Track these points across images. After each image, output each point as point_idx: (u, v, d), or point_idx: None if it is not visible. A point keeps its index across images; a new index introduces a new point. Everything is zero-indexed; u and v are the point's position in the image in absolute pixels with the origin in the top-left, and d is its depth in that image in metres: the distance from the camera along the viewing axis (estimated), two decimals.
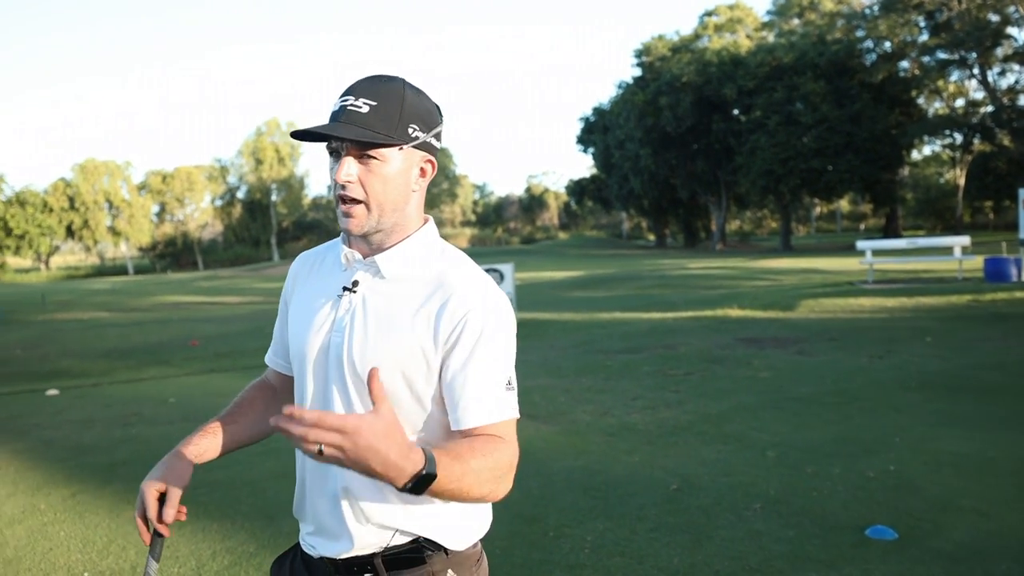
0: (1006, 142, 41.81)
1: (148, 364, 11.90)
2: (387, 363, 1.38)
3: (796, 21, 51.83)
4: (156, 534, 1.54)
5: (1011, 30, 39.16)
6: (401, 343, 1.39)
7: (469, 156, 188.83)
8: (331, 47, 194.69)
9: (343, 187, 1.38)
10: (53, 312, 23.30)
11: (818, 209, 77.73)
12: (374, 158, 1.38)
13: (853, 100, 40.64)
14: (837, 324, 11.37)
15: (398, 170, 1.40)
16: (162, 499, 1.53)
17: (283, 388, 1.71)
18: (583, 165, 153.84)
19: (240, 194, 75.65)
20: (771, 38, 49.78)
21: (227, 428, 1.63)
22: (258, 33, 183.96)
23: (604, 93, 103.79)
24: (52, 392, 9.49)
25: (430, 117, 1.44)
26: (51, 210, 67.71)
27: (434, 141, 1.46)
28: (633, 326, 12.44)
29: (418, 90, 1.45)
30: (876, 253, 18.79)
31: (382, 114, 1.37)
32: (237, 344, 13.41)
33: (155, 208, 74.94)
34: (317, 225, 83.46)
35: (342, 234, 1.54)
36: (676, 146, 46.86)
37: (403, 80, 1.43)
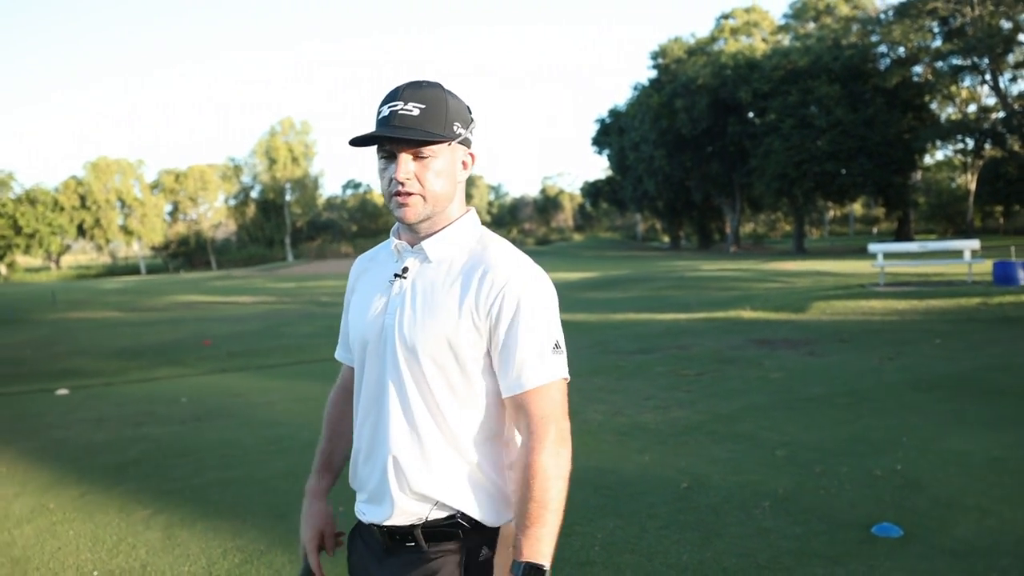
0: (1016, 148, 41.77)
1: (160, 364, 11.94)
2: (434, 337, 1.54)
3: (812, 25, 51.76)
4: (307, 570, 1.82)
5: (1022, 37, 39.16)
6: (446, 318, 1.54)
7: (484, 157, 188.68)
8: (345, 47, 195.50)
9: (401, 183, 1.54)
10: (64, 311, 23.27)
11: (831, 212, 77.44)
12: (428, 155, 1.55)
13: (867, 104, 40.59)
14: (848, 326, 11.41)
15: (447, 164, 1.58)
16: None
17: (352, 381, 1.85)
18: (598, 167, 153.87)
19: (254, 194, 75.90)
20: (786, 42, 49.69)
21: (334, 454, 1.87)
22: (272, 33, 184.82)
23: (620, 95, 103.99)
24: (62, 391, 9.53)
25: (466, 115, 1.62)
26: (62, 208, 67.69)
27: (471, 136, 1.63)
28: (647, 327, 12.52)
29: (452, 92, 1.61)
30: (887, 256, 18.82)
31: (431, 115, 1.53)
32: (250, 344, 13.51)
33: (168, 207, 75.18)
34: (331, 225, 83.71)
35: (392, 230, 1.70)
36: (691, 148, 46.86)
37: (440, 84, 1.60)
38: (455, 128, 1.57)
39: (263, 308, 21.72)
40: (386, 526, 1.60)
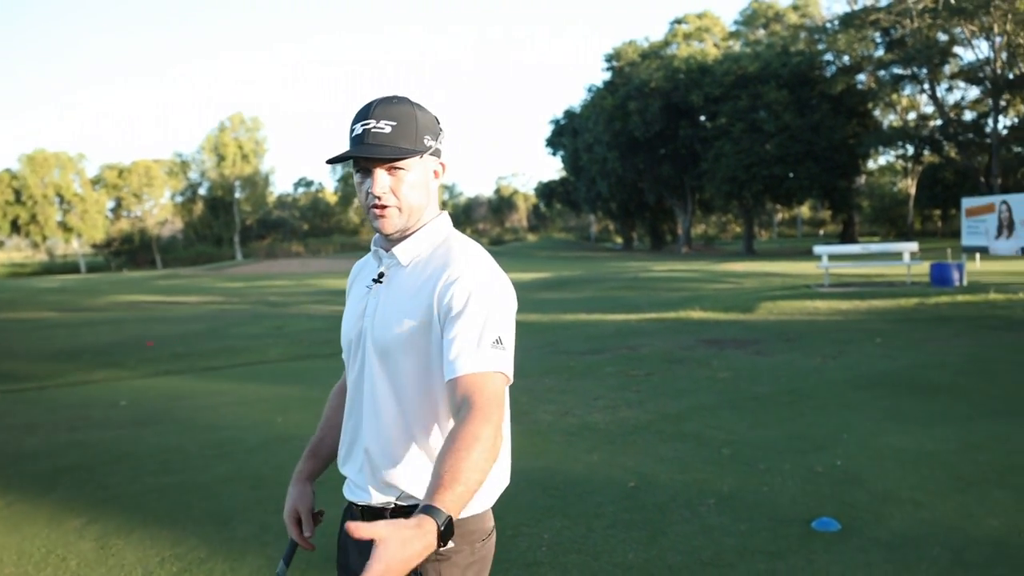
0: (953, 154, 43.30)
1: (99, 366, 11.40)
2: (401, 337, 1.63)
3: (761, 32, 52.81)
4: (292, 544, 1.93)
5: (958, 49, 40.64)
6: (411, 317, 1.63)
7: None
8: (296, 46, 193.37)
9: (378, 197, 1.64)
10: None
11: (780, 215, 78.97)
12: (401, 168, 1.64)
13: (813, 110, 41.52)
14: (794, 326, 11.63)
15: (420, 176, 1.68)
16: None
17: None
18: (552, 167, 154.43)
19: (202, 190, 74.46)
20: (737, 48, 50.56)
21: (324, 443, 1.96)
22: (222, 28, 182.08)
23: (574, 96, 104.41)
24: None
25: (435, 127, 1.71)
26: None
27: (441, 146, 1.72)
28: (597, 328, 12.60)
29: (420, 105, 1.70)
30: (832, 258, 19.27)
31: (402, 131, 1.63)
32: (196, 345, 13.20)
33: (110, 203, 73.36)
34: (282, 224, 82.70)
35: (375, 237, 1.78)
36: (644, 150, 47.30)
37: (409, 99, 1.69)
38: (425, 141, 1.65)
39: (210, 308, 21.35)
40: (361, 505, 1.73)
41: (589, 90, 53.51)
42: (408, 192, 1.65)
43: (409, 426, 1.66)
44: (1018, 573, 3.39)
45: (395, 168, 1.63)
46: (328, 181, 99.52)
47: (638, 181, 50.23)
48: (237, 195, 73.05)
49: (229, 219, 73.19)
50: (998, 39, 37.64)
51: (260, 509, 4.57)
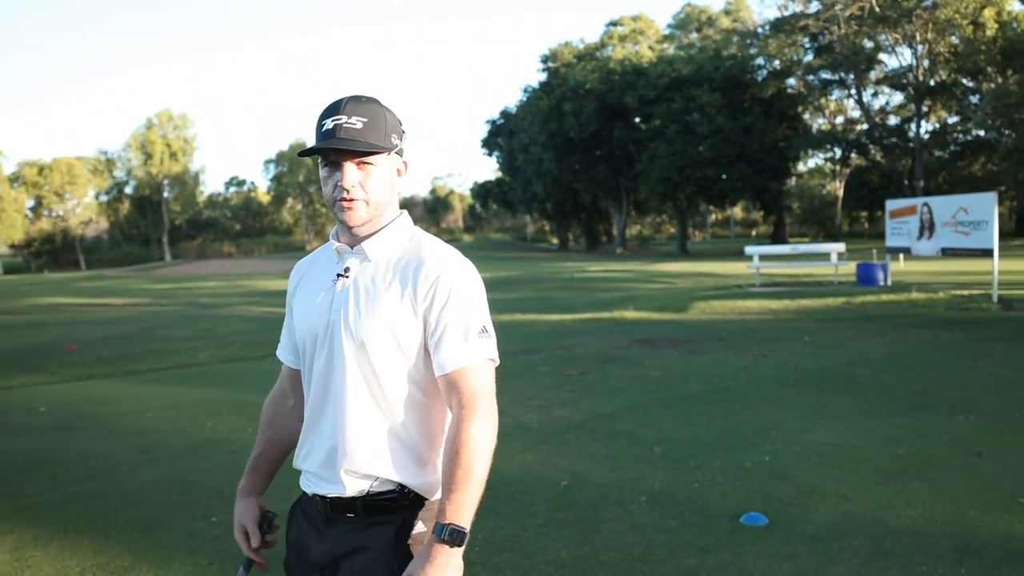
0: (878, 158, 44.78)
1: (16, 371, 10.88)
2: (379, 329, 1.68)
3: (695, 35, 53.70)
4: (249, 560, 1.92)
5: (882, 56, 42.08)
6: (388, 310, 1.69)
7: None
8: (228, 44, 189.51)
9: (347, 190, 1.68)
10: None
11: (713, 215, 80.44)
12: (370, 164, 1.70)
13: (745, 113, 42.35)
14: (726, 325, 11.84)
15: (386, 172, 1.74)
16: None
17: (293, 382, 1.97)
18: (488, 168, 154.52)
19: (128, 189, 72.41)
20: (671, 50, 51.24)
21: (264, 456, 1.97)
22: (148, 21, 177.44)
23: (510, 97, 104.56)
24: None
25: (400, 128, 1.78)
26: None
27: (405, 146, 1.79)
28: (532, 328, 12.64)
29: (388, 107, 1.78)
30: (763, 258, 19.69)
31: (373, 128, 1.69)
32: (121, 348, 12.80)
33: (30, 202, 70.72)
34: (213, 224, 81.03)
35: (332, 233, 1.83)
36: (579, 151, 47.64)
37: (378, 100, 1.76)
38: (392, 139, 1.73)
39: (137, 310, 20.80)
40: (330, 497, 1.73)
41: (525, 91, 53.68)
42: (375, 187, 1.70)
43: (385, 415, 1.71)
44: (933, 560, 3.51)
45: (364, 163, 1.69)
46: (261, 180, 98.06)
47: (573, 182, 50.58)
48: (166, 194, 71.30)
49: (157, 219, 71.37)
50: (920, 47, 39.01)
51: (188, 515, 4.47)
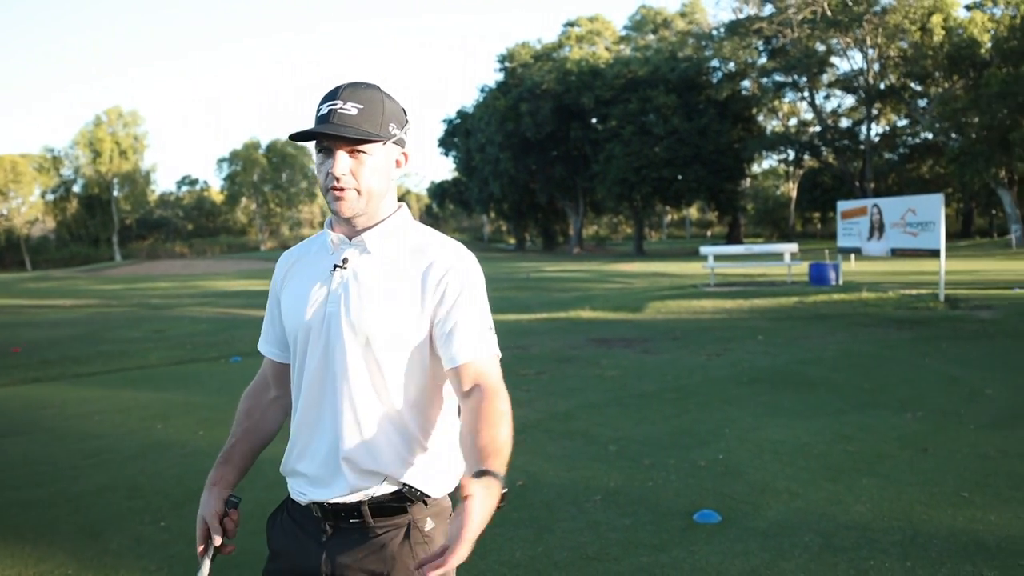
0: (830, 159, 45.65)
1: None
2: (382, 323, 1.62)
3: (651, 37, 54.13)
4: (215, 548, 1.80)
5: (834, 59, 42.95)
6: (393, 304, 1.63)
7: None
8: (179, 43, 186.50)
9: (337, 178, 1.61)
10: None
11: (669, 216, 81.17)
12: (363, 152, 1.63)
13: (701, 114, 42.87)
14: (680, 324, 11.94)
15: (381, 162, 1.66)
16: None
17: (276, 375, 1.89)
18: (445, 168, 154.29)
19: (76, 188, 70.63)
20: (627, 52, 51.63)
21: (236, 448, 1.86)
22: (92, 16, 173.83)
23: (467, 97, 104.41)
24: None
25: (402, 117, 1.71)
26: None
27: (406, 137, 1.73)
28: None
29: (390, 94, 1.71)
30: (717, 258, 19.92)
31: (368, 115, 1.62)
32: (68, 350, 12.46)
33: None
34: (165, 223, 79.59)
35: (326, 223, 1.76)
36: (536, 152, 47.76)
37: (379, 86, 1.69)
38: (390, 128, 1.66)
39: (85, 312, 20.31)
40: (330, 504, 1.65)
41: (482, 91, 53.73)
42: (368, 176, 1.64)
43: (389, 411, 1.65)
44: (881, 555, 3.56)
45: (357, 151, 1.62)
46: (214, 180, 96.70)
47: (530, 182, 50.69)
48: (115, 193, 69.64)
49: (106, 218, 69.71)
50: (870, 51, 39.86)
51: (135, 520, 4.38)
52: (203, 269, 43.85)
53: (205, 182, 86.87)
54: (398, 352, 1.63)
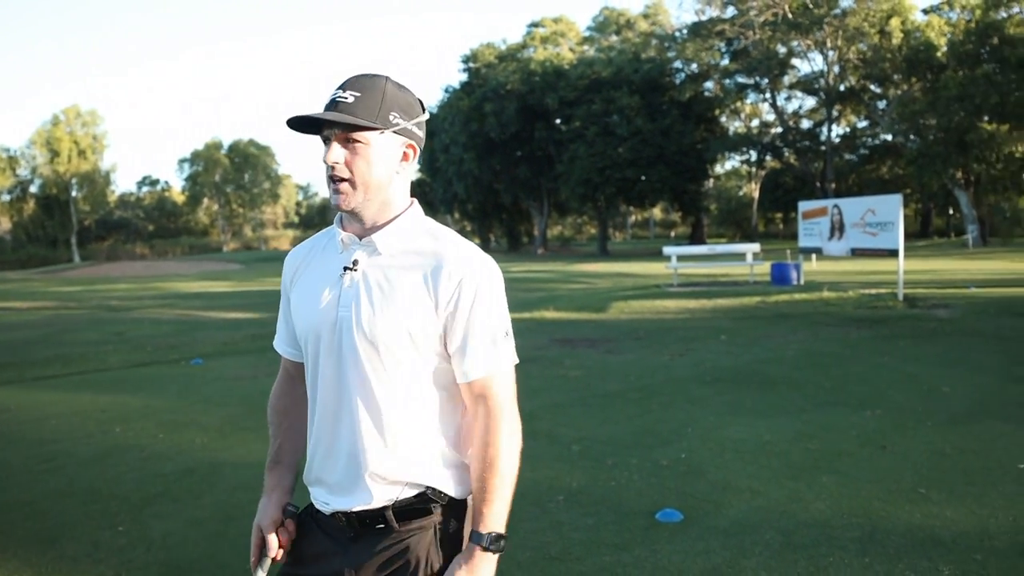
0: (792, 160, 46.25)
1: None
2: (394, 327, 1.57)
3: (614, 38, 54.43)
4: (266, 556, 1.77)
5: (795, 61, 43.58)
6: (405, 309, 1.57)
7: (293, 156, 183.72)
8: (132, 42, 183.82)
9: (330, 167, 1.58)
10: None
11: (633, 216, 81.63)
12: (359, 141, 1.57)
13: (664, 115, 43.15)
14: (644, 324, 12.00)
15: (380, 152, 1.59)
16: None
17: (298, 372, 1.83)
18: None
19: (33, 188, 69.29)
20: (591, 52, 51.80)
21: (284, 449, 1.84)
22: (49, 13, 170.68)
23: (431, 97, 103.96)
24: None
25: (410, 108, 1.64)
26: None
27: (415, 129, 1.65)
28: None
29: (401, 85, 1.64)
30: (681, 259, 20.05)
31: (364, 103, 1.56)
32: (24, 354, 12.18)
33: None
34: (125, 224, 78.42)
35: (335, 220, 1.71)
36: (500, 152, 47.74)
37: (387, 76, 1.64)
38: (391, 117, 1.58)
39: (42, 314, 19.92)
40: (355, 512, 1.63)
41: (446, 91, 53.53)
42: (364, 168, 1.58)
43: (404, 417, 1.61)
44: (840, 551, 3.61)
45: (353, 140, 1.57)
46: (175, 180, 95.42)
47: (494, 182, 50.64)
48: (74, 193, 68.43)
49: (65, 219, 68.41)
50: (831, 53, 40.43)
51: (92, 525, 4.30)
52: (164, 270, 43.29)
53: (166, 182, 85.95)
54: (409, 358, 1.59)
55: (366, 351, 1.58)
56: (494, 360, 1.60)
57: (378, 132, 1.58)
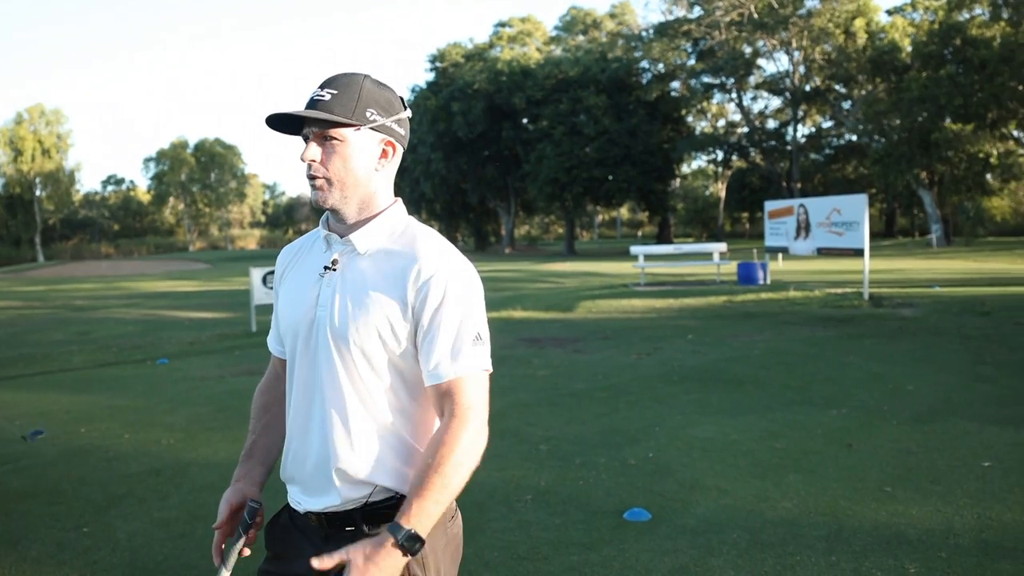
0: (758, 160, 46.76)
1: None
2: (365, 328, 1.55)
3: (581, 38, 54.55)
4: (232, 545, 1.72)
5: (761, 61, 44.04)
6: (377, 309, 1.55)
7: (259, 155, 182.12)
8: (96, 40, 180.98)
9: (307, 164, 1.57)
10: None
11: (600, 216, 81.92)
12: (335, 139, 1.56)
13: (631, 115, 43.33)
14: (611, 324, 12.05)
15: (357, 150, 1.58)
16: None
17: (283, 370, 1.81)
18: None
19: None
20: (558, 52, 51.90)
21: (258, 444, 1.81)
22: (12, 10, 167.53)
23: None
24: None
25: (389, 105, 1.62)
26: None
27: (395, 126, 1.63)
28: None
29: (380, 82, 1.64)
30: (647, 258, 20.18)
31: (340, 100, 1.56)
32: None
33: None
34: (90, 224, 77.27)
35: (322, 220, 1.70)
36: (467, 152, 47.65)
37: (365, 74, 1.63)
38: (368, 114, 1.57)
39: (5, 314, 19.56)
40: (325, 512, 1.61)
41: (413, 90, 53.30)
42: (340, 165, 1.57)
43: (376, 419, 1.58)
44: (807, 550, 3.64)
45: (328, 137, 1.56)
46: (140, 179, 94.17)
47: (461, 182, 50.55)
48: (38, 193, 67.26)
49: (29, 218, 67.23)
50: (796, 54, 40.87)
51: (57, 526, 4.24)
52: (130, 270, 42.73)
53: (132, 182, 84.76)
54: (381, 360, 1.57)
55: (338, 350, 1.57)
56: (462, 363, 1.54)
57: (354, 129, 1.57)
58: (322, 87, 1.58)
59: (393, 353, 1.57)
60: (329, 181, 1.58)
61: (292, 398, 1.66)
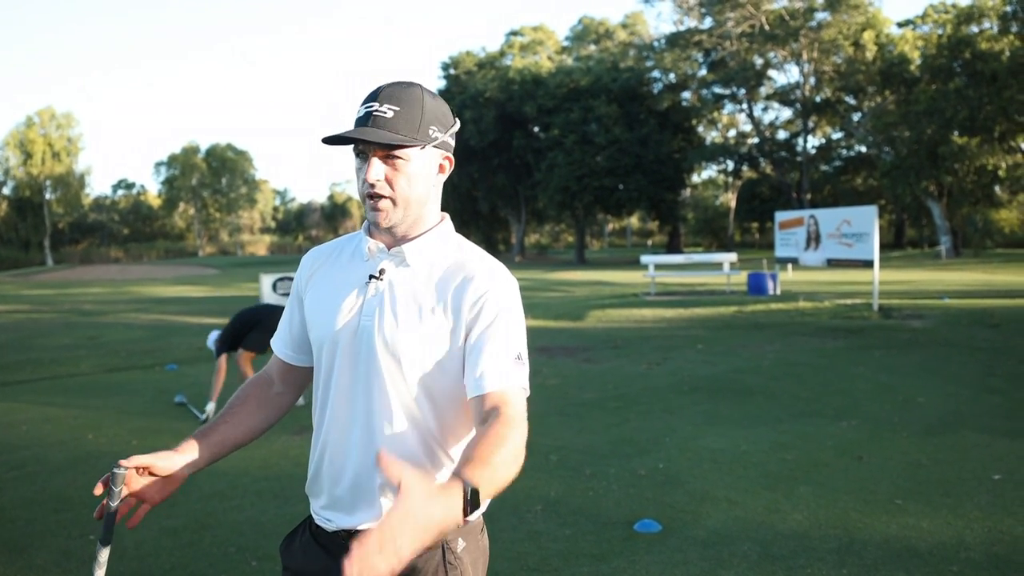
0: (768, 170, 46.71)
1: None
2: (416, 341, 1.53)
3: (593, 47, 54.64)
4: (111, 516, 1.63)
5: (772, 72, 44.03)
6: (428, 323, 1.53)
7: (270, 161, 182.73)
8: (110, 44, 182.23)
9: (372, 185, 1.52)
10: None
11: (610, 225, 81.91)
12: (399, 158, 1.52)
13: (642, 125, 43.31)
14: (621, 333, 12.03)
15: (420, 168, 1.55)
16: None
17: (282, 377, 1.80)
18: None
19: (6, 190, 68.44)
20: (570, 61, 51.99)
21: (218, 429, 1.70)
22: (25, 15, 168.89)
23: None
24: None
25: (445, 118, 1.59)
26: None
27: (450, 140, 1.61)
28: None
29: (434, 94, 1.59)
30: (658, 267, 20.16)
31: (405, 118, 1.51)
32: None
33: None
34: (99, 227, 77.60)
35: (363, 228, 1.67)
36: (478, 160, 47.72)
37: (421, 86, 1.58)
38: (430, 132, 1.54)
39: (13, 318, 19.66)
40: (360, 530, 1.55)
41: None
42: (405, 184, 1.53)
43: (420, 431, 1.56)
44: (818, 563, 3.61)
45: (393, 156, 1.51)
46: (151, 183, 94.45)
47: (472, 190, 50.65)
48: (48, 196, 67.61)
49: (38, 221, 67.55)
50: (806, 65, 40.87)
51: (63, 534, 4.23)
52: (139, 275, 42.86)
53: (142, 186, 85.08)
54: (431, 373, 1.54)
55: (386, 362, 1.53)
56: (505, 377, 1.49)
57: (418, 147, 1.53)
58: (380, 100, 1.52)
59: (442, 367, 1.54)
60: (394, 201, 1.54)
61: (328, 409, 1.61)
